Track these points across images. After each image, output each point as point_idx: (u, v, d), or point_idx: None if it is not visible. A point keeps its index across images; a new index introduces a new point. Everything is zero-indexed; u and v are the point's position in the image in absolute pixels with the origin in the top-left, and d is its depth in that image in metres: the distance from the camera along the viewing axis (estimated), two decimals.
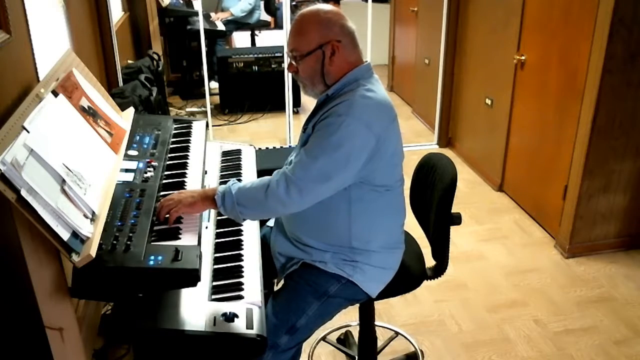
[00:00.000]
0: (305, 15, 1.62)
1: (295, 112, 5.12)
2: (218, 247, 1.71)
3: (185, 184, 1.78)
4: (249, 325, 1.41)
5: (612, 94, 2.72)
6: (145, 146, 1.90)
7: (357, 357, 2.23)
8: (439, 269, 1.91)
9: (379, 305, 2.38)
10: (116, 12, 4.03)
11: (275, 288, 1.93)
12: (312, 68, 1.63)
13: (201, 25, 4.40)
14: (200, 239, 1.51)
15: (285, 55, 4.26)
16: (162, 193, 1.70)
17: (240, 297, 1.51)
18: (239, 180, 2.00)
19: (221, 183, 2.03)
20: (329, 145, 1.53)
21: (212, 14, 6.07)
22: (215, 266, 1.63)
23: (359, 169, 1.57)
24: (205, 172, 1.96)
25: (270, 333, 1.58)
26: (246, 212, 1.60)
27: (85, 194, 1.39)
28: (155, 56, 4.01)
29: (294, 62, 1.65)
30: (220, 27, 5.89)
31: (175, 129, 2.14)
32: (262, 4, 6.50)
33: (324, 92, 1.65)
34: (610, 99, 2.73)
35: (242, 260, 1.65)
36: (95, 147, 1.62)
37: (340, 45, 1.60)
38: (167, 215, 1.56)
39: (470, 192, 3.81)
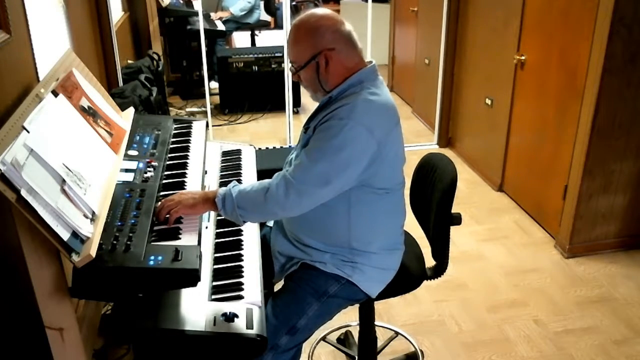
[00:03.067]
0: (296, 25, 1.61)
1: (295, 112, 5.12)
2: (218, 247, 1.71)
3: (185, 184, 1.78)
4: (249, 325, 1.41)
5: (612, 94, 2.72)
6: (145, 146, 1.90)
7: (357, 357, 2.23)
8: (439, 269, 1.91)
9: (379, 305, 2.39)
10: (116, 12, 4.03)
11: (276, 288, 1.93)
12: (310, 78, 1.63)
13: (201, 25, 4.40)
14: (200, 239, 1.51)
15: (287, 60, 4.28)
16: (162, 193, 1.70)
17: (240, 297, 1.51)
18: (239, 181, 2.01)
19: (221, 183, 2.03)
20: (329, 149, 1.52)
21: (212, 14, 6.07)
22: (215, 266, 1.62)
23: (360, 173, 1.56)
24: (205, 172, 1.96)
25: (271, 334, 1.58)
26: (246, 215, 1.59)
27: (85, 194, 1.39)
28: (155, 56, 4.01)
29: (294, 72, 1.66)
30: (220, 27, 5.89)
31: (175, 129, 2.14)
32: (262, 4, 6.50)
33: (327, 95, 1.65)
34: (610, 99, 2.73)
35: (242, 260, 1.65)
36: (95, 147, 1.62)
37: (334, 53, 1.59)
38: (167, 216, 1.56)
39: (470, 192, 3.81)
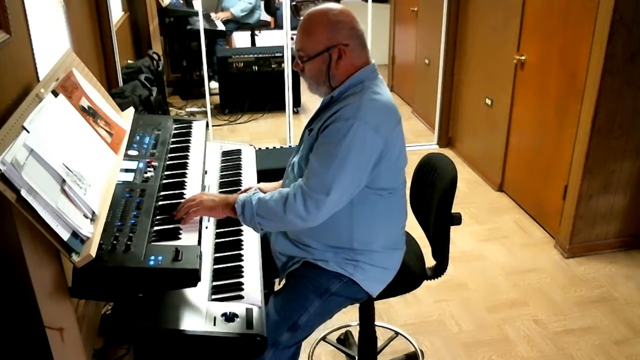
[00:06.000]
0: (314, 15, 1.59)
1: (295, 112, 5.12)
2: (218, 247, 1.71)
3: (185, 184, 1.78)
4: (249, 325, 1.41)
5: (612, 94, 2.72)
6: (145, 146, 1.90)
7: (357, 357, 2.23)
8: (439, 269, 1.91)
9: (379, 305, 2.39)
10: (116, 12, 4.03)
11: (276, 287, 1.93)
12: (318, 69, 1.61)
13: (201, 25, 4.40)
14: (200, 239, 1.51)
15: (288, 56, 4.28)
16: (162, 193, 1.70)
17: (240, 297, 1.51)
18: (239, 182, 2.02)
19: (221, 183, 2.04)
20: (339, 152, 1.51)
21: (212, 14, 6.07)
22: (215, 266, 1.63)
23: (369, 172, 1.57)
24: (205, 172, 1.96)
25: (272, 330, 1.58)
26: (265, 223, 1.59)
27: (85, 194, 1.39)
28: (155, 56, 4.01)
29: (299, 62, 1.64)
30: (220, 27, 5.89)
31: (175, 129, 2.14)
32: (262, 4, 6.50)
33: (329, 94, 1.64)
34: (610, 99, 2.72)
35: (242, 260, 1.65)
36: (95, 147, 1.62)
37: (348, 49, 1.59)
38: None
39: (470, 192, 3.81)
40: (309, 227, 1.59)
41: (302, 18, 1.62)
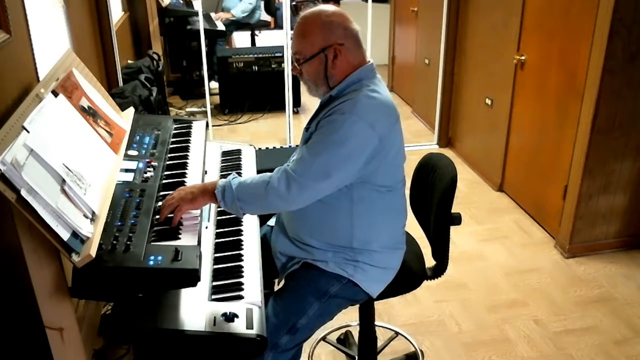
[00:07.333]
0: (307, 17, 1.61)
1: (295, 112, 5.12)
2: (218, 247, 1.71)
3: (185, 184, 1.78)
4: (249, 326, 1.41)
5: (612, 94, 2.72)
6: (145, 146, 1.90)
7: (357, 357, 2.23)
8: (439, 269, 1.91)
9: (379, 305, 2.39)
10: (116, 12, 4.03)
11: (276, 288, 1.93)
12: (316, 71, 1.63)
13: (201, 25, 4.40)
14: (200, 239, 1.51)
15: (288, 56, 4.28)
16: (162, 193, 1.69)
17: (240, 297, 1.51)
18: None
19: None
20: (331, 143, 1.53)
21: (213, 14, 6.07)
22: (215, 266, 1.62)
23: (360, 167, 1.57)
24: (205, 172, 1.96)
25: (271, 333, 1.58)
26: (247, 207, 1.60)
27: (85, 194, 1.39)
28: (155, 56, 4.01)
29: (297, 65, 1.65)
30: (220, 27, 5.89)
31: (175, 129, 2.14)
32: (262, 4, 6.51)
33: (328, 93, 1.65)
34: (610, 99, 2.72)
35: (242, 260, 1.65)
36: (95, 147, 1.62)
37: (343, 48, 1.60)
38: (170, 215, 1.56)
39: (470, 192, 3.81)
40: (290, 209, 1.62)
41: (296, 22, 1.64)
